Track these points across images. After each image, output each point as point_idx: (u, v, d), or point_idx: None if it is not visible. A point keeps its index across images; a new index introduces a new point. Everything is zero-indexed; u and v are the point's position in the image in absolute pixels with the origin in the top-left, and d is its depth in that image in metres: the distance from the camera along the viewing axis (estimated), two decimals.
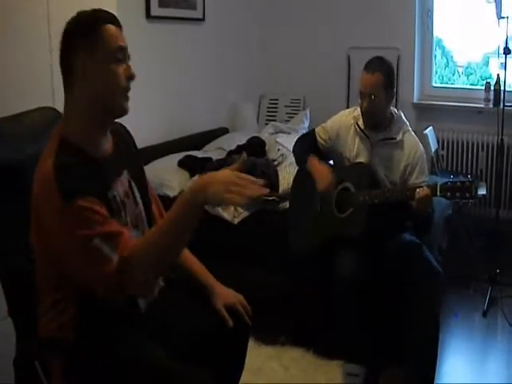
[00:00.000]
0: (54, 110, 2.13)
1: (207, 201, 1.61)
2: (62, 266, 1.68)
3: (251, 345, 2.19)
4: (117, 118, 1.84)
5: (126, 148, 1.99)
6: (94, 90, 1.73)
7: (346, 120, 3.13)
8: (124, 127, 2.06)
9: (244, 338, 2.16)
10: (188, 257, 2.16)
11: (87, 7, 3.40)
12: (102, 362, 1.71)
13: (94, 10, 1.78)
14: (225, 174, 1.63)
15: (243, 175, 1.63)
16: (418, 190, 2.67)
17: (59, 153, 1.68)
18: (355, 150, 3.06)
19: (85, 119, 1.76)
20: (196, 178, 1.67)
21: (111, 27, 1.76)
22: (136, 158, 2.05)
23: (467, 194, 2.58)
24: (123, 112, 1.80)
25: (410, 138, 3.02)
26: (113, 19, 1.78)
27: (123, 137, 2.00)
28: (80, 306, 1.72)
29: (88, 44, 1.72)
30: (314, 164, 3.10)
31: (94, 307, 1.68)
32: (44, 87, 3.17)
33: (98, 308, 1.67)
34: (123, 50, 1.78)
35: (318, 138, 3.20)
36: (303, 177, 3.22)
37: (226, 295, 2.11)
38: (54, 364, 1.75)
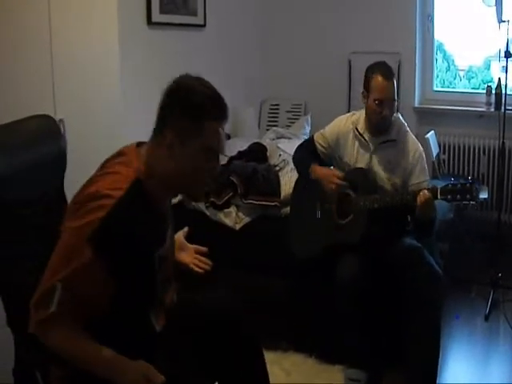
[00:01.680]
0: (50, 117, 2.13)
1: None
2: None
3: None
4: (188, 199, 1.86)
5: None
6: (173, 172, 1.73)
7: (344, 126, 3.13)
8: None
9: (255, 350, 2.18)
10: None
11: (87, 14, 3.42)
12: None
13: (205, 95, 1.73)
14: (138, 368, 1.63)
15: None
16: (420, 193, 2.68)
17: (131, 193, 1.67)
18: (355, 154, 3.07)
19: (162, 183, 1.75)
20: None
21: (215, 125, 1.73)
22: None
23: (468, 196, 2.58)
24: (195, 199, 1.83)
25: (408, 139, 3.04)
26: (221, 113, 1.75)
27: None
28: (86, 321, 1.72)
29: (183, 130, 1.71)
30: (318, 170, 3.11)
31: (89, 315, 1.68)
32: (45, 94, 3.19)
33: (95, 316, 1.67)
34: (219, 153, 1.77)
35: (318, 145, 3.20)
36: (304, 182, 3.23)
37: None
38: (54, 373, 1.75)
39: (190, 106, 1.72)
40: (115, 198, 1.63)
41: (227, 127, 5.41)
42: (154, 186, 1.74)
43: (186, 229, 2.21)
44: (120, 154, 1.81)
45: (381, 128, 3.01)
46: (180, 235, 2.18)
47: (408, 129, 3.08)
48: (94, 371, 1.63)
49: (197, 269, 2.10)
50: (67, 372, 1.72)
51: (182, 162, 1.72)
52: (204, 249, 2.16)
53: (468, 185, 2.59)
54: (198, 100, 1.72)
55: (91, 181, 1.74)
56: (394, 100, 2.96)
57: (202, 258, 2.14)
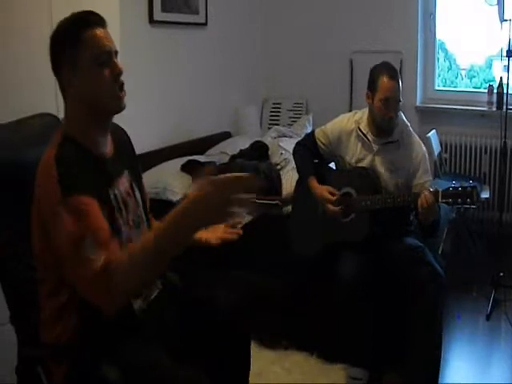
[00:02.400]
0: (53, 116, 2.13)
1: (201, 227, 1.57)
2: (58, 264, 1.66)
3: (253, 349, 2.18)
4: (113, 115, 1.85)
5: (126, 150, 2.01)
6: (82, 97, 1.76)
7: (347, 125, 3.12)
8: (123, 130, 2.08)
9: (244, 342, 2.16)
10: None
11: (89, 10, 3.40)
12: (104, 367, 1.70)
13: (73, 16, 1.77)
14: (219, 194, 1.48)
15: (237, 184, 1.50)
16: (421, 195, 2.67)
17: (62, 145, 1.70)
18: (357, 154, 3.06)
19: (82, 121, 1.78)
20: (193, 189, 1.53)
21: (92, 32, 1.75)
22: (135, 160, 2.07)
23: (468, 200, 2.58)
24: (117, 109, 1.81)
25: (411, 139, 3.03)
26: (93, 20, 1.77)
27: (123, 139, 2.03)
28: (80, 312, 1.72)
29: (69, 57, 1.74)
30: (314, 188, 3.10)
31: (93, 312, 1.68)
32: (47, 93, 3.18)
33: (98, 313, 1.67)
34: (106, 53, 1.76)
35: (319, 142, 3.19)
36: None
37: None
38: (57, 370, 1.75)
39: (60, 35, 1.76)
40: (52, 157, 1.66)
41: (229, 126, 5.43)
42: (79, 131, 1.77)
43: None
44: None
45: (385, 129, 3.00)
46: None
47: (411, 129, 3.07)
48: (175, 249, 1.55)
49: (215, 241, 2.09)
50: (70, 368, 1.72)
51: (83, 85, 1.75)
52: (236, 221, 2.10)
53: (469, 189, 2.59)
54: (64, 24, 1.76)
55: None
56: (400, 101, 2.95)
57: (229, 230, 2.15)
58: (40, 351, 1.76)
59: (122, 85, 1.80)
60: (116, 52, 1.80)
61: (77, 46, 1.73)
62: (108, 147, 1.87)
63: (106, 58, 1.76)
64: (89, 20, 1.76)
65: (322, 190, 3.06)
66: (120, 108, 1.81)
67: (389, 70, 2.94)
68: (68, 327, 1.73)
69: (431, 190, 2.74)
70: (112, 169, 1.85)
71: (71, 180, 1.62)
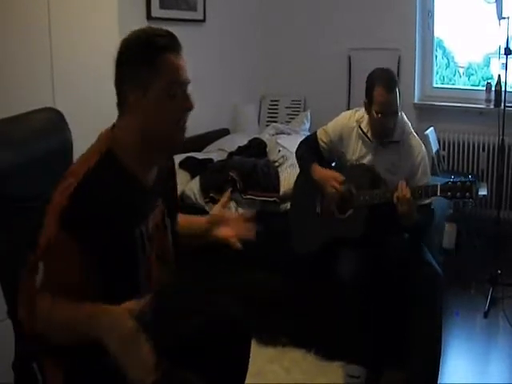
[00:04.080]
0: (56, 110, 2.12)
1: (100, 340, 1.51)
2: None
3: (252, 346, 2.18)
4: (171, 154, 1.80)
5: (166, 176, 1.90)
6: (144, 126, 1.65)
7: (348, 122, 3.11)
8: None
9: (246, 342, 2.14)
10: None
11: (87, 9, 3.41)
12: (103, 366, 1.67)
13: (149, 34, 1.66)
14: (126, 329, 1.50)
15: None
16: (397, 201, 2.66)
17: (101, 162, 1.62)
18: (358, 153, 3.05)
19: (136, 144, 1.67)
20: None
21: (169, 58, 1.64)
22: (173, 187, 1.98)
23: (467, 194, 2.58)
24: (177, 145, 1.74)
25: (412, 140, 3.01)
26: (172, 45, 1.67)
27: (166, 165, 1.92)
28: None
29: (140, 78, 1.63)
30: (318, 171, 3.09)
31: None
32: (44, 87, 3.17)
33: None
34: (181, 85, 1.67)
35: (320, 141, 3.18)
36: (305, 178, 3.22)
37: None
38: (54, 367, 1.74)
39: (133, 53, 1.64)
40: (83, 172, 1.58)
41: (227, 122, 5.42)
42: (127, 155, 1.66)
43: (226, 197, 2.10)
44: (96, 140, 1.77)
45: (385, 137, 2.99)
46: (216, 208, 2.07)
47: (411, 129, 3.05)
48: (80, 333, 1.54)
49: (236, 245, 2.00)
50: (67, 365, 1.71)
51: (150, 110, 1.64)
52: (250, 214, 2.08)
53: (468, 183, 2.58)
54: (139, 41, 1.65)
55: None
56: (397, 111, 2.89)
57: (246, 226, 2.04)
58: (35, 348, 1.75)
59: (185, 120, 1.71)
60: (189, 83, 1.71)
61: (151, 70, 1.62)
62: (152, 173, 1.77)
63: (180, 89, 1.67)
64: (167, 44, 1.66)
65: (328, 172, 3.04)
66: (179, 144, 1.73)
67: (385, 81, 2.85)
68: None
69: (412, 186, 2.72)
70: (149, 201, 1.77)
71: (78, 214, 1.56)
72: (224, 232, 2.04)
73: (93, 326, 1.51)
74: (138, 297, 1.66)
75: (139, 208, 1.72)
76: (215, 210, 2.09)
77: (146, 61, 1.62)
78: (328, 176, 3.03)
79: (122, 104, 1.68)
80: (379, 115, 2.87)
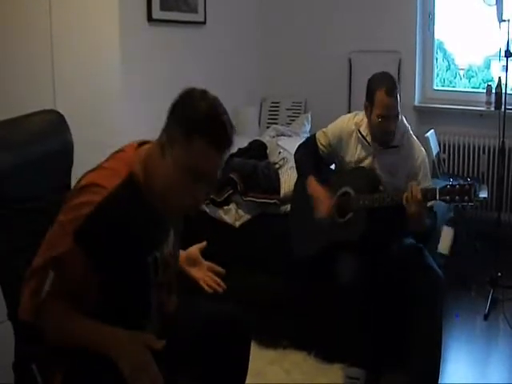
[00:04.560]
0: (57, 112, 2.12)
1: (115, 359, 1.57)
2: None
3: (252, 349, 2.18)
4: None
5: None
6: (161, 171, 1.65)
7: (347, 126, 3.11)
8: None
9: (245, 343, 2.13)
10: None
11: (88, 11, 3.42)
12: (102, 369, 1.66)
13: (203, 111, 1.64)
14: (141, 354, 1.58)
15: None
16: (407, 204, 2.66)
17: (123, 189, 1.63)
18: (357, 156, 3.06)
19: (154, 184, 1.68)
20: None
21: (205, 146, 1.60)
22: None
23: (466, 198, 2.57)
24: (168, 216, 1.75)
25: (412, 144, 3.01)
26: (213, 136, 1.62)
27: None
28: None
29: (174, 137, 1.63)
30: (312, 187, 3.09)
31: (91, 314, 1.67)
32: (45, 89, 3.18)
33: (95, 316, 1.66)
34: (198, 174, 1.63)
35: (319, 144, 3.19)
36: (304, 182, 3.22)
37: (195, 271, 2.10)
38: (54, 370, 1.73)
39: (183, 114, 1.65)
40: (104, 193, 1.60)
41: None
42: (149, 185, 1.68)
43: (203, 243, 2.15)
44: (119, 150, 1.78)
45: (385, 141, 2.98)
46: (195, 249, 2.13)
47: (411, 133, 3.05)
48: (91, 346, 1.60)
49: (206, 287, 2.05)
50: (68, 368, 1.71)
51: (167, 167, 1.64)
52: (220, 269, 2.11)
53: (467, 186, 2.57)
54: (193, 110, 1.64)
55: (85, 175, 1.72)
56: (398, 115, 2.89)
57: (215, 278, 2.09)
58: (35, 349, 1.75)
59: (186, 212, 1.72)
60: (214, 182, 1.70)
61: (187, 139, 1.61)
62: None
63: (202, 180, 1.65)
64: (219, 137, 1.63)
65: (318, 191, 3.05)
66: (169, 216, 1.77)
67: (387, 84, 2.86)
68: None
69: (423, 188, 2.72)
70: (164, 230, 1.80)
71: (94, 234, 1.59)
72: (196, 273, 2.09)
73: (107, 347, 1.59)
74: (148, 320, 1.76)
75: (154, 236, 1.75)
76: (193, 249, 2.14)
77: (185, 128, 1.62)
78: (319, 197, 3.03)
79: (161, 136, 1.69)
80: (380, 119, 2.87)
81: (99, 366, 1.64)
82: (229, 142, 1.66)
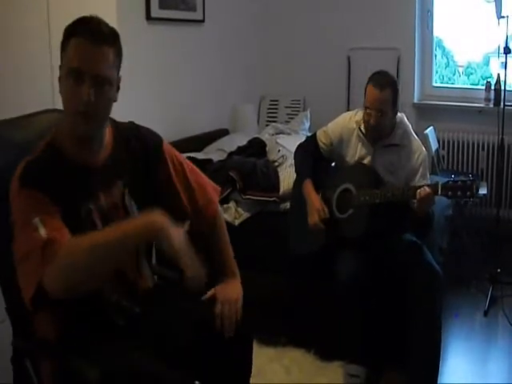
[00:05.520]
0: (59, 111, 2.12)
1: (158, 237, 1.63)
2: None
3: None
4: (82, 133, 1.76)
5: (131, 156, 1.92)
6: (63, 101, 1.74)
7: (348, 124, 3.11)
8: (140, 132, 2.00)
9: (247, 343, 2.13)
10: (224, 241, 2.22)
11: (87, 8, 3.41)
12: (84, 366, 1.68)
13: (81, 19, 1.73)
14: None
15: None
16: (419, 190, 2.67)
17: (41, 153, 1.71)
18: (357, 154, 3.06)
19: (67, 126, 1.76)
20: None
21: (77, 43, 1.68)
22: (147, 166, 1.97)
23: (468, 193, 2.58)
24: (79, 133, 1.74)
25: (412, 142, 3.01)
26: (87, 33, 1.68)
27: (131, 143, 1.93)
28: (68, 310, 1.71)
29: (61, 51, 1.72)
30: (308, 193, 3.09)
31: (81, 311, 1.67)
32: (44, 88, 3.17)
33: (86, 312, 1.66)
34: (76, 71, 1.68)
35: (320, 142, 3.19)
36: None
37: (220, 294, 2.06)
38: (44, 365, 1.75)
39: (64, 34, 1.72)
40: (24, 161, 1.69)
41: (227, 122, 5.42)
42: (65, 137, 1.75)
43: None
44: None
45: (373, 136, 2.99)
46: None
47: (412, 131, 3.05)
48: (121, 246, 1.63)
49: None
50: (55, 364, 1.72)
51: (60, 89, 1.72)
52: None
53: (469, 182, 2.58)
54: (70, 25, 1.72)
55: None
56: (383, 111, 2.88)
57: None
58: (29, 344, 1.78)
59: (83, 113, 1.69)
60: (99, 78, 1.70)
61: (63, 47, 1.71)
62: (101, 155, 1.82)
63: (79, 76, 1.68)
64: (83, 29, 1.70)
65: (315, 200, 3.05)
66: (79, 132, 1.74)
67: (377, 79, 2.91)
68: (56, 323, 1.73)
69: (430, 183, 2.74)
70: (95, 181, 1.80)
71: (32, 175, 1.65)
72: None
73: (139, 234, 1.63)
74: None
75: (82, 188, 1.76)
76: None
77: (64, 38, 1.71)
78: (313, 205, 3.03)
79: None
80: (367, 110, 2.91)
81: (87, 360, 1.66)
82: (101, 35, 1.71)
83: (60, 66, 1.73)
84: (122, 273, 1.86)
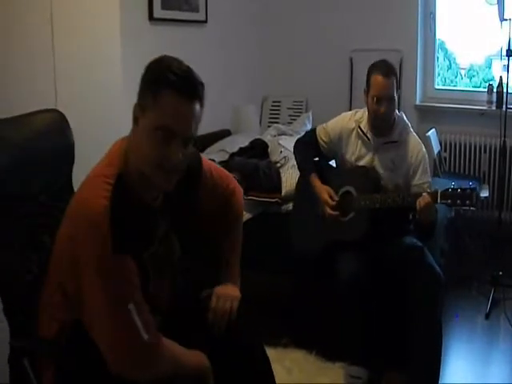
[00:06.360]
0: (58, 111, 2.13)
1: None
2: (79, 315, 1.63)
3: None
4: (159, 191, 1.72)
5: (182, 195, 1.84)
6: (135, 146, 1.64)
7: (347, 123, 3.12)
8: (197, 160, 1.94)
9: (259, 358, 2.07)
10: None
11: (89, 10, 3.43)
12: (91, 370, 1.66)
13: (170, 64, 1.61)
14: None
15: None
16: (419, 199, 2.67)
17: (116, 192, 1.59)
18: (357, 153, 3.07)
19: (139, 169, 1.65)
20: None
21: (173, 98, 1.58)
22: (194, 202, 1.94)
23: (467, 202, 2.58)
24: (159, 189, 1.69)
25: (412, 139, 3.02)
26: (182, 87, 1.59)
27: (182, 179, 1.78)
28: (71, 314, 1.68)
29: (145, 100, 1.61)
30: (316, 186, 3.10)
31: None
32: (47, 89, 3.18)
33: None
34: (168, 130, 1.59)
35: (319, 139, 3.19)
36: (306, 180, 3.22)
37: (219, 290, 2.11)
38: (45, 364, 1.74)
39: (151, 77, 1.62)
40: (103, 207, 1.55)
41: (229, 123, 5.43)
42: (135, 177, 1.66)
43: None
44: (107, 153, 1.75)
45: (381, 127, 2.99)
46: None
47: (411, 129, 3.06)
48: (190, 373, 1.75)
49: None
50: (58, 366, 1.71)
51: (139, 136, 1.62)
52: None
53: (468, 190, 2.58)
54: (160, 70, 1.61)
55: (81, 185, 1.69)
56: (392, 98, 2.92)
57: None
58: (27, 344, 1.77)
59: (165, 171, 1.62)
60: (188, 139, 1.64)
61: (156, 95, 1.59)
62: (160, 194, 1.76)
63: (172, 137, 1.60)
64: (175, 80, 1.59)
65: (323, 191, 3.05)
66: (161, 188, 1.69)
67: (382, 67, 2.93)
68: (59, 325, 1.71)
69: (429, 191, 2.74)
70: (158, 221, 1.76)
71: (122, 239, 1.55)
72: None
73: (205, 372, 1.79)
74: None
75: (150, 231, 1.73)
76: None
77: (153, 86, 1.60)
78: (322, 196, 3.05)
79: (134, 109, 1.67)
80: (375, 100, 2.90)
81: (88, 362, 1.64)
82: (196, 92, 1.63)
83: (141, 105, 1.63)
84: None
